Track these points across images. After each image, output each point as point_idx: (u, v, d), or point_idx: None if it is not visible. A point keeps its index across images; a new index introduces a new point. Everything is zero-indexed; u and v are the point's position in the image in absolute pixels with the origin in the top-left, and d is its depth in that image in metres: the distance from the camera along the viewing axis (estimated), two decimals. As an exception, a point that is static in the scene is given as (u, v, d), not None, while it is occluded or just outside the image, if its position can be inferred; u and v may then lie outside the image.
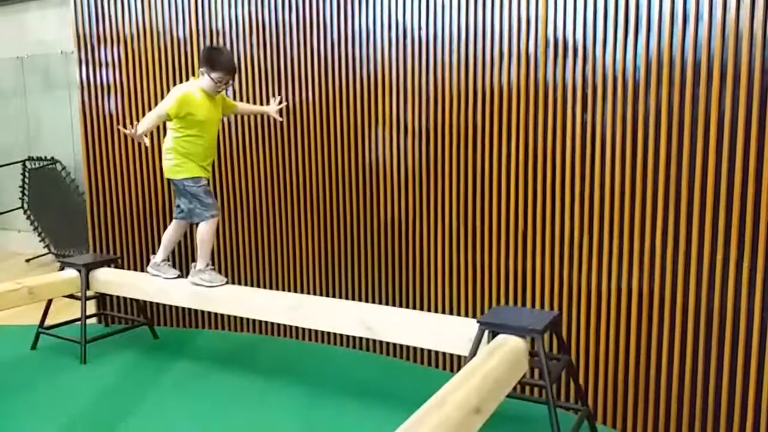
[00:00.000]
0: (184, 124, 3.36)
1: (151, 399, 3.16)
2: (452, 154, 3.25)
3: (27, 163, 6.44)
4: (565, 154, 2.91)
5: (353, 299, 3.66)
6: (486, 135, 3.13)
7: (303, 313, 3.11)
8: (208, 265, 3.46)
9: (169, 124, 3.42)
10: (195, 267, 3.47)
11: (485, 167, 3.16)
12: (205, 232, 3.46)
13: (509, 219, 3.12)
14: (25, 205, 6.52)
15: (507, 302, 3.18)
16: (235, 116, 3.85)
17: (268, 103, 3.76)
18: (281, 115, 3.70)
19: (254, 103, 3.82)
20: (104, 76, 4.18)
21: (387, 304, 3.55)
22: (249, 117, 3.85)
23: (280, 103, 3.70)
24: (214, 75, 3.34)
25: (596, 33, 2.75)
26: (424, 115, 3.30)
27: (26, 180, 6.44)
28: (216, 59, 3.36)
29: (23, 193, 6.49)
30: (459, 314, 3.32)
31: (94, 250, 4.33)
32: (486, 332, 2.57)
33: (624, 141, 2.73)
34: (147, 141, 3.25)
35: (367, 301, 3.62)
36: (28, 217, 6.51)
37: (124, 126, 3.15)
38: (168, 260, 3.69)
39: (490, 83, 3.08)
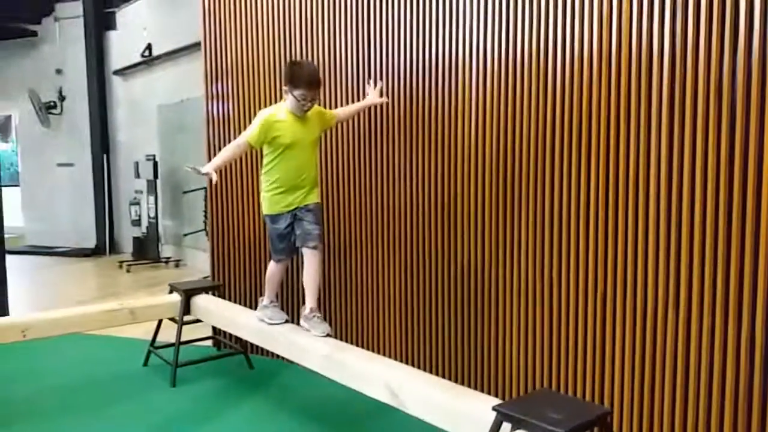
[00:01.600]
0: (272, 148, 3.12)
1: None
2: (528, 191, 2.70)
3: (206, 189, 7.06)
4: (648, 194, 2.23)
5: (415, 359, 3.27)
6: (563, 170, 2.54)
7: (332, 365, 2.81)
8: (272, 301, 3.32)
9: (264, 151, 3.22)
10: (262, 302, 3.37)
11: (562, 207, 2.56)
12: (270, 271, 3.33)
13: (587, 275, 2.48)
14: (207, 227, 7.14)
15: (584, 381, 2.52)
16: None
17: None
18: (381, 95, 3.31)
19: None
20: (226, 109, 4.34)
21: (452, 369, 3.09)
22: (333, 137, 3.67)
23: (376, 85, 3.30)
24: (296, 93, 2.98)
25: (687, 37, 2.06)
26: (502, 148, 2.79)
27: (206, 204, 7.06)
28: (296, 74, 3.00)
29: (205, 216, 7.12)
30: (532, 385, 2.74)
31: (213, 277, 4.49)
32: (506, 425, 2.01)
33: (717, 181, 1.99)
34: (215, 177, 3.04)
35: (432, 363, 3.20)
36: (209, 239, 7.12)
37: (192, 167, 3.06)
38: (316, 310, 3.12)
39: (570, 105, 2.50)
